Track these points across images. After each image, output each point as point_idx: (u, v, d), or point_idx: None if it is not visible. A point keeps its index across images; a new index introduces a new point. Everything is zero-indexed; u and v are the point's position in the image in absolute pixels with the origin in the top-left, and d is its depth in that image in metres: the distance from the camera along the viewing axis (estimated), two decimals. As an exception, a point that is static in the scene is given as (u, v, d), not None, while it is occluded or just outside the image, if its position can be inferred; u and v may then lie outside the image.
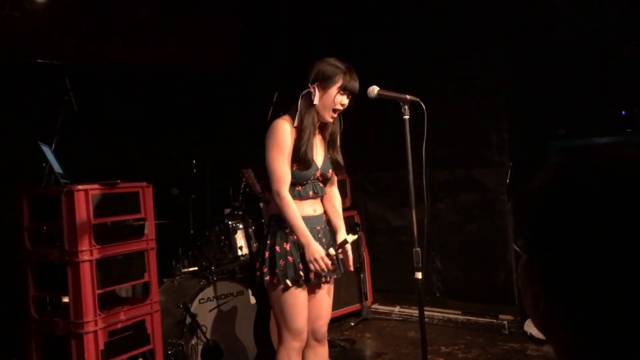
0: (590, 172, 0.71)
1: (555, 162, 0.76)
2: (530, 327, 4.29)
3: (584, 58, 4.20)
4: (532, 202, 0.76)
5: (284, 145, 2.67)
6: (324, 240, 2.80)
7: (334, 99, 2.68)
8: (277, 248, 2.69)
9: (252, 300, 3.89)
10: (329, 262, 2.66)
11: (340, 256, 2.83)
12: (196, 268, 4.08)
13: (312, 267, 2.63)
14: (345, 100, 2.71)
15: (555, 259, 0.70)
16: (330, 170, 2.85)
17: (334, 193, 2.97)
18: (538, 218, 0.74)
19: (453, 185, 4.90)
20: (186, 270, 4.10)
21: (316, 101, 2.69)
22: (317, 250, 2.63)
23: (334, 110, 2.72)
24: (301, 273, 2.68)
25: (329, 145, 2.85)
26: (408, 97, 2.69)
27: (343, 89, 2.68)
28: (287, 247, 2.69)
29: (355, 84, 2.71)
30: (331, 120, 2.75)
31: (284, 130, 2.69)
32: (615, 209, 0.66)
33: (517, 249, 0.77)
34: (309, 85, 2.72)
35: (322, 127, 2.84)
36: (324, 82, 2.69)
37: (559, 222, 0.70)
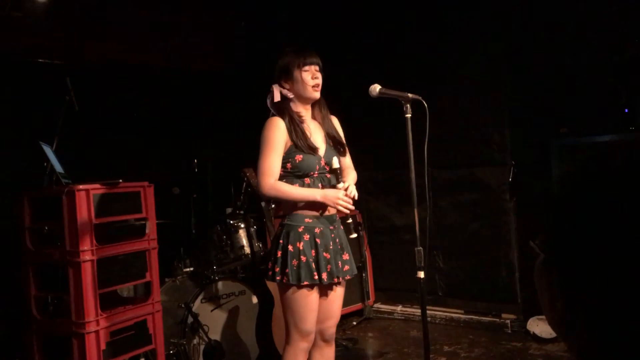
0: (611, 172, 0.69)
1: (576, 160, 0.75)
2: (533, 326, 4.28)
3: (586, 55, 4.19)
4: (551, 200, 0.74)
5: (275, 140, 2.68)
6: (337, 240, 2.78)
7: (302, 79, 2.72)
8: (290, 247, 2.66)
9: (254, 299, 3.88)
10: (349, 198, 2.68)
11: (350, 190, 2.73)
12: (198, 268, 4.08)
13: (340, 208, 2.66)
14: (315, 73, 2.74)
15: (574, 259, 0.68)
16: (335, 158, 2.79)
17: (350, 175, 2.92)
18: (557, 217, 0.72)
19: (455, 184, 4.89)
20: (188, 269, 4.09)
21: (277, 98, 2.73)
22: (332, 194, 2.66)
23: (313, 87, 2.74)
24: (315, 273, 2.66)
25: (326, 132, 2.84)
26: (410, 95, 2.68)
27: (303, 65, 2.71)
28: (300, 246, 2.66)
29: (310, 57, 2.74)
30: (317, 95, 2.76)
31: (275, 127, 2.70)
32: (637, 209, 0.64)
33: (535, 247, 0.76)
34: (273, 86, 2.77)
35: (316, 113, 2.85)
36: (285, 73, 2.75)
37: (578, 222, 0.68)
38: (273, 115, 2.77)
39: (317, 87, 2.75)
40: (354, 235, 2.76)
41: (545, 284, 0.74)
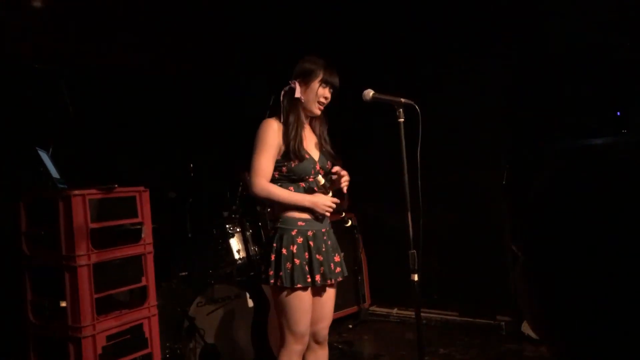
0: (589, 176, 0.71)
1: (554, 165, 0.76)
2: (527, 328, 4.30)
3: (579, 58, 4.22)
4: (531, 204, 0.76)
5: (269, 142, 2.71)
6: (329, 242, 2.82)
7: (316, 92, 2.76)
8: (284, 251, 2.68)
9: (250, 303, 3.89)
10: (334, 203, 2.78)
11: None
12: (194, 271, 4.09)
13: (327, 214, 2.76)
14: (327, 93, 2.80)
15: (553, 262, 0.70)
16: (329, 163, 2.88)
17: None
18: (537, 220, 0.74)
19: (449, 187, 4.91)
20: (184, 273, 4.10)
21: (297, 94, 2.76)
22: (322, 201, 2.73)
23: (319, 103, 2.79)
24: (308, 276, 2.68)
25: (320, 140, 2.89)
26: (402, 100, 2.70)
27: (324, 82, 2.77)
28: (294, 249, 2.68)
29: (335, 79, 2.80)
30: (319, 112, 2.82)
31: (270, 129, 2.73)
32: (615, 213, 0.66)
33: (515, 250, 0.77)
34: (290, 82, 2.79)
35: (313, 122, 2.89)
36: (306, 77, 2.78)
37: (557, 225, 0.70)
38: (269, 116, 2.80)
39: (322, 105, 2.81)
40: (349, 223, 2.83)
41: (525, 286, 0.75)
